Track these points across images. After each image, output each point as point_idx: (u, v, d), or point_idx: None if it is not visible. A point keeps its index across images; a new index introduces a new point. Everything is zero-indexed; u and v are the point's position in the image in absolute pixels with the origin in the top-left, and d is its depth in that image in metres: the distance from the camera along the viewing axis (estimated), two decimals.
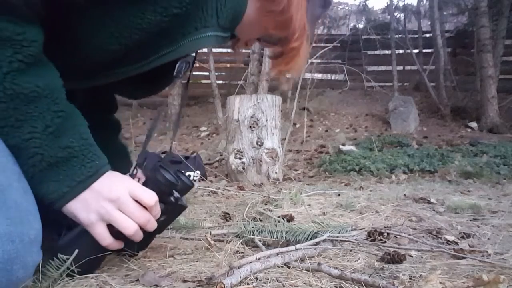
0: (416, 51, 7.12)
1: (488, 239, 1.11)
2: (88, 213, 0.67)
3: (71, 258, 0.70)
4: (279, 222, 1.23)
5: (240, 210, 1.51)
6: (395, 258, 0.85)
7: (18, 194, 0.61)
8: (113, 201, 0.68)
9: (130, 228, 0.69)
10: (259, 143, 2.69)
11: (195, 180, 2.61)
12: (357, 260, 0.88)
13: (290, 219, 1.27)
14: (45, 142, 0.63)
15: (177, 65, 0.83)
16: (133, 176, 0.77)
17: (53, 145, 0.63)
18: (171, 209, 0.79)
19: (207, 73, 6.36)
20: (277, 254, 0.84)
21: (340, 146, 4.04)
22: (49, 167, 0.64)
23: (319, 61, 6.62)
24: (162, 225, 0.80)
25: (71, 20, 0.67)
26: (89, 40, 0.68)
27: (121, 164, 0.85)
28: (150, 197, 0.71)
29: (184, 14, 0.69)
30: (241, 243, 0.98)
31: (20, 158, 0.63)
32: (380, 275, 0.77)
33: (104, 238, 0.69)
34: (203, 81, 7.91)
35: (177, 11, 0.67)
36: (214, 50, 6.17)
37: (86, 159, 0.66)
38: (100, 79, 0.78)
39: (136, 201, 0.70)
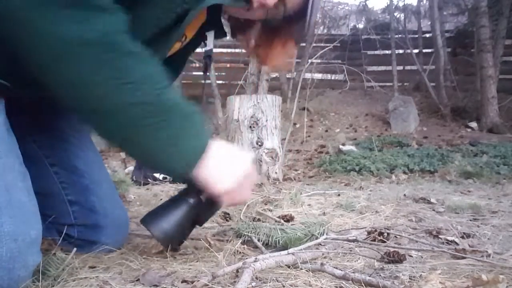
0: (416, 51, 7.11)
1: (488, 239, 1.11)
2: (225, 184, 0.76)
3: (70, 256, 0.71)
4: (279, 222, 1.24)
5: (240, 210, 1.51)
6: (395, 258, 0.85)
7: (23, 194, 0.62)
8: (244, 176, 0.78)
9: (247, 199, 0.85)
10: (259, 143, 2.68)
11: None
12: (357, 260, 0.88)
13: (290, 219, 1.27)
14: None
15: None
16: None
17: None
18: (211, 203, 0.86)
19: (207, 73, 6.34)
20: (278, 255, 0.84)
21: (340, 146, 4.04)
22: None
23: (319, 61, 6.61)
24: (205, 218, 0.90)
25: None
26: None
27: None
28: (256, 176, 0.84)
29: None
30: (241, 243, 0.98)
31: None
32: (380, 275, 0.77)
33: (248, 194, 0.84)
34: (203, 81, 7.89)
35: None
36: (214, 50, 6.15)
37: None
38: None
39: None
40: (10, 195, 0.59)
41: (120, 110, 0.64)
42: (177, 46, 0.90)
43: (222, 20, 0.87)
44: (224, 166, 0.76)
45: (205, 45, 0.96)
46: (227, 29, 0.90)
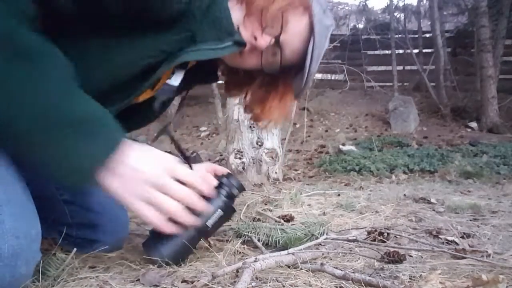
0: (416, 51, 7.12)
1: (488, 239, 1.11)
2: (130, 196, 0.66)
3: (70, 256, 0.71)
4: (279, 222, 1.24)
5: (240, 210, 1.51)
6: (395, 258, 0.85)
7: (21, 194, 0.62)
8: (156, 185, 0.67)
9: (172, 207, 0.68)
10: (259, 143, 2.68)
11: None
12: (357, 260, 0.88)
13: (290, 219, 1.27)
14: None
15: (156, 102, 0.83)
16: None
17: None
18: (225, 208, 0.83)
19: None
20: (278, 255, 0.84)
21: (340, 146, 4.03)
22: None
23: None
24: (217, 225, 0.84)
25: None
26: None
27: None
28: (190, 173, 0.72)
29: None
30: (241, 243, 0.98)
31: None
32: (380, 275, 0.77)
33: (158, 218, 0.68)
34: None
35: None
36: None
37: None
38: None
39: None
40: (9, 194, 0.60)
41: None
42: (147, 93, 0.83)
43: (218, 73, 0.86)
44: (136, 171, 0.66)
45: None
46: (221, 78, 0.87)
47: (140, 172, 0.66)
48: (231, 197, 0.86)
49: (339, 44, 6.41)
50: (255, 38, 0.75)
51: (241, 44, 0.74)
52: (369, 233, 1.08)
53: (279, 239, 0.98)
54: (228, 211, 0.86)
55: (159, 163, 0.69)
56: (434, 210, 1.58)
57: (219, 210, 0.82)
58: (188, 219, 0.71)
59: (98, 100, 0.65)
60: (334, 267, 0.77)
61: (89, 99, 0.63)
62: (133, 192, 0.66)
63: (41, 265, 0.68)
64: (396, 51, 7.11)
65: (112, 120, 0.65)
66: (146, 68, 0.71)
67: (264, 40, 0.74)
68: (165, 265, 0.78)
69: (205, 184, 0.76)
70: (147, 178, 0.66)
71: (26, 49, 0.58)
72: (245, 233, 1.02)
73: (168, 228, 0.71)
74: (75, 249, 0.76)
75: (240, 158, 2.70)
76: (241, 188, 0.89)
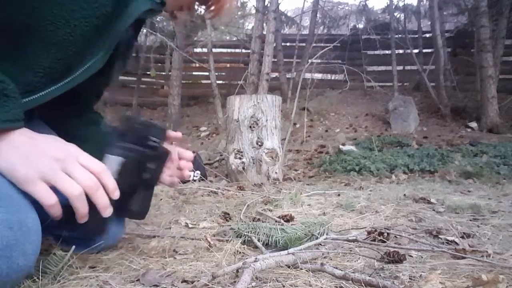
0: (416, 51, 7.12)
1: (488, 239, 1.11)
2: (28, 168, 0.60)
3: (69, 253, 0.71)
4: (279, 222, 1.24)
5: (240, 210, 1.51)
6: (395, 258, 0.85)
7: (10, 189, 0.61)
8: (59, 160, 0.61)
9: (74, 190, 0.61)
10: (259, 143, 2.68)
11: (194, 181, 2.61)
12: (357, 260, 0.88)
13: (290, 219, 1.27)
14: None
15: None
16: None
17: None
18: (155, 155, 0.78)
19: (207, 73, 6.37)
20: (278, 255, 0.84)
21: (340, 146, 4.04)
22: None
23: (319, 61, 6.62)
24: (153, 175, 0.80)
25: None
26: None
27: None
28: (97, 163, 0.66)
29: None
30: (241, 243, 0.98)
31: None
32: (380, 275, 0.77)
33: (49, 196, 0.60)
34: (203, 81, 7.91)
35: None
36: (214, 50, 6.18)
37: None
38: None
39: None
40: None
41: None
42: None
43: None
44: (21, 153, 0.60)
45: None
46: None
47: (44, 149, 0.61)
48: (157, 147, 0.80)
49: (339, 44, 6.43)
50: None
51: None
52: (369, 233, 1.08)
53: (279, 239, 0.98)
54: (159, 161, 0.81)
55: (67, 146, 0.65)
56: (434, 210, 1.58)
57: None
58: (81, 205, 0.63)
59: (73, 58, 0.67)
60: (334, 267, 0.77)
61: None
62: (32, 165, 0.60)
63: (41, 264, 0.68)
64: (396, 51, 7.11)
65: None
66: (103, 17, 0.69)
67: None
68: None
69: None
70: (50, 154, 0.61)
71: None
72: (245, 233, 1.02)
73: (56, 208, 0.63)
74: (73, 246, 0.75)
75: (240, 158, 2.70)
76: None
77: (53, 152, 0.62)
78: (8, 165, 0.59)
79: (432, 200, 1.77)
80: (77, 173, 0.62)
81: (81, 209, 0.63)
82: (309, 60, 5.23)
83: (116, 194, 0.67)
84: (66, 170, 0.62)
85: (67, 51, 0.69)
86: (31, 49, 0.67)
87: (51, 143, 0.63)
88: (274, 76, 6.73)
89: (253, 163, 2.68)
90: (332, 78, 7.97)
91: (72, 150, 0.65)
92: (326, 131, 5.36)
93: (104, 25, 0.71)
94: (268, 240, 0.99)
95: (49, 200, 0.60)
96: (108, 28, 0.72)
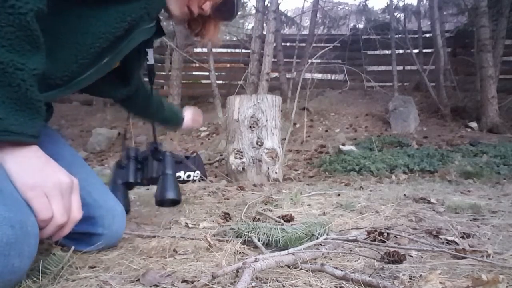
0: (416, 51, 7.12)
1: (488, 239, 1.11)
2: (39, 179, 0.65)
3: (69, 253, 0.71)
4: (279, 222, 1.24)
5: (240, 210, 1.51)
6: (395, 258, 0.85)
7: (15, 190, 0.62)
8: (64, 184, 0.67)
9: (46, 215, 0.64)
10: (259, 143, 2.68)
11: (194, 181, 2.60)
12: (357, 260, 0.88)
13: (290, 219, 1.27)
14: None
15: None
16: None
17: None
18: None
19: (207, 73, 6.37)
20: (278, 255, 0.84)
21: (340, 146, 4.03)
22: None
23: (319, 61, 6.62)
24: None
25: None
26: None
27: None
28: (79, 210, 0.71)
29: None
30: (241, 243, 0.98)
31: None
32: (380, 275, 0.77)
33: (47, 210, 0.65)
34: (203, 81, 7.91)
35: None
36: (214, 50, 6.17)
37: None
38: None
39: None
40: (1, 186, 0.60)
41: None
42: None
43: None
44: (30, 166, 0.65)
45: (147, 60, 1.05)
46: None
47: (56, 169, 0.68)
48: None
49: (339, 44, 6.42)
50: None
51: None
52: (369, 233, 1.08)
53: (279, 239, 0.98)
54: None
55: (70, 176, 0.70)
56: (434, 210, 1.58)
57: None
58: (47, 230, 0.67)
59: (76, 71, 0.80)
60: (334, 267, 0.77)
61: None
62: (46, 181, 0.65)
63: (41, 264, 0.68)
64: (396, 51, 7.11)
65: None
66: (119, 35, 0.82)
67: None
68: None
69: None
70: (62, 178, 0.67)
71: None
72: (245, 233, 1.02)
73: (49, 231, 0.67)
74: (73, 247, 0.76)
75: (240, 158, 2.70)
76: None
77: (62, 176, 0.68)
78: (21, 170, 0.64)
79: (432, 200, 1.77)
80: (64, 205, 0.67)
81: (45, 232, 0.66)
82: (309, 60, 5.23)
83: (53, 240, 0.73)
84: (51, 195, 0.66)
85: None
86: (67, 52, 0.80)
87: (60, 168, 0.69)
88: (274, 76, 6.73)
89: (253, 163, 2.68)
90: (332, 78, 7.97)
91: (75, 182, 0.71)
92: (326, 131, 5.36)
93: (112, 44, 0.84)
94: (268, 240, 0.99)
95: (47, 213, 0.64)
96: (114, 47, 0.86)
